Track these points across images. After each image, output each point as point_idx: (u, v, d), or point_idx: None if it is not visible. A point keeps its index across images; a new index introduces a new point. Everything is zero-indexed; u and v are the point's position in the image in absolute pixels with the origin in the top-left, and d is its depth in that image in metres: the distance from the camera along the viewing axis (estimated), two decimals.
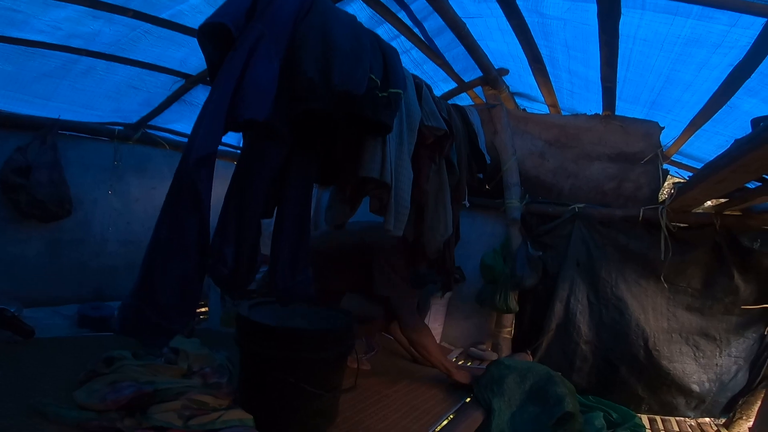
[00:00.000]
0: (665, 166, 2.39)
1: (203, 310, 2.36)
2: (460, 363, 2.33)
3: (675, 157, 2.71)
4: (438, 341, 2.60)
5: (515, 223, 2.39)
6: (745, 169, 1.47)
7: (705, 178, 1.66)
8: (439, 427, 1.54)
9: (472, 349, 2.51)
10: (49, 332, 1.95)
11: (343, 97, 1.06)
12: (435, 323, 2.56)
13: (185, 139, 1.91)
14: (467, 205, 1.98)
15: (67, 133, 2.46)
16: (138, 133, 2.71)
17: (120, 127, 2.68)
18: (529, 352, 2.34)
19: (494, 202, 2.53)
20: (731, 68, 1.64)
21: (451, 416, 1.66)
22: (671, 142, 2.43)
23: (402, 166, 1.33)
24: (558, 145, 2.52)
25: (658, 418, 2.24)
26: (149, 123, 2.75)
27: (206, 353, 1.55)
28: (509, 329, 2.45)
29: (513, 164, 2.41)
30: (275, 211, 1.30)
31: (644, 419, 2.07)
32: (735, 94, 1.76)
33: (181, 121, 2.81)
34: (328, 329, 1.44)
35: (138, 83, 2.35)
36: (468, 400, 1.81)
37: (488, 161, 1.99)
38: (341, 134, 1.26)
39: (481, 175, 2.02)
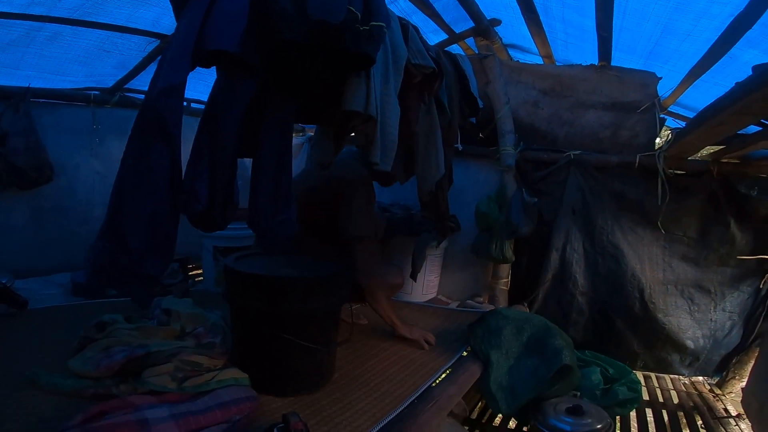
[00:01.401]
0: (662, 116, 2.33)
1: (198, 272, 2.32)
2: None
3: (672, 108, 2.65)
4: (435, 294, 2.61)
5: (510, 169, 2.35)
6: (746, 111, 1.42)
7: (705, 120, 1.60)
8: (437, 380, 1.53)
9: (469, 302, 2.51)
10: (43, 302, 1.93)
11: (319, 28, 0.99)
12: (431, 275, 2.53)
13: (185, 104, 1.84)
14: (460, 148, 1.92)
15: (41, 100, 2.39)
16: (115, 97, 2.64)
17: (96, 92, 2.59)
18: (525, 305, 2.33)
19: (488, 150, 2.47)
20: (732, 18, 1.55)
21: (449, 370, 1.65)
22: (668, 93, 2.36)
23: (388, 102, 1.27)
24: (552, 94, 2.47)
25: (653, 375, 2.26)
26: (127, 86, 2.65)
27: (199, 313, 1.52)
28: (506, 280, 2.43)
29: (506, 112, 2.36)
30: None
31: (639, 376, 2.07)
32: (735, 45, 1.68)
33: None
34: (318, 277, 1.34)
35: (110, 46, 2.23)
36: (465, 353, 1.80)
37: (481, 105, 1.92)
38: (324, 71, 1.17)
39: (473, 120, 1.95)
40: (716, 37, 1.69)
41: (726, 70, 1.87)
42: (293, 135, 1.49)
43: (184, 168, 1.04)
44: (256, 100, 1.09)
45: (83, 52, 2.22)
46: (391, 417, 1.24)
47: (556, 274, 2.32)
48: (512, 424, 1.81)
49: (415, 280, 2.27)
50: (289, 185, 1.22)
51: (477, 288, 2.62)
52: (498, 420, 1.84)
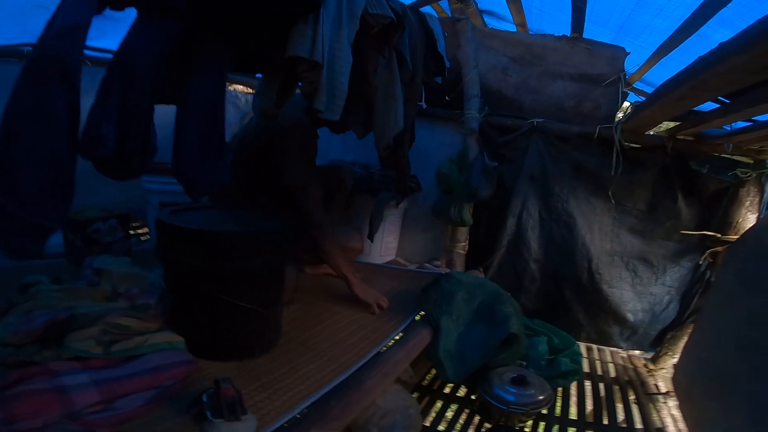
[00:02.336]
0: (626, 91, 2.33)
1: (143, 231, 2.16)
2: None
3: (637, 84, 2.67)
4: (393, 256, 2.58)
5: (473, 133, 2.32)
6: (706, 87, 1.40)
7: (665, 93, 1.58)
8: (386, 346, 1.50)
9: (427, 265, 2.50)
10: None
11: None
12: (390, 236, 2.49)
13: (110, 55, 1.63)
14: (423, 106, 1.85)
15: None
16: None
17: (30, 48, 2.29)
18: (481, 270, 2.33)
19: (454, 113, 2.43)
20: None
21: (401, 334, 1.63)
22: (635, 69, 2.36)
23: (339, 50, 1.18)
24: (522, 62, 2.44)
25: (594, 346, 2.33)
26: None
27: (135, 272, 1.40)
28: (463, 244, 2.42)
29: (474, 76, 2.32)
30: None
31: (582, 347, 2.12)
32: (707, 23, 1.65)
33: (104, 37, 2.41)
34: (258, 232, 1.23)
35: (45, 1, 1.95)
36: (419, 317, 1.78)
37: (448, 65, 1.84)
38: (262, 16, 1.05)
39: (439, 80, 1.87)
40: (689, 14, 1.64)
41: (694, 48, 1.83)
42: None
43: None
44: (182, 44, 0.97)
45: (16, 9, 2.00)
46: (335, 383, 1.20)
47: (512, 240, 2.33)
48: (462, 392, 1.81)
49: (371, 240, 2.23)
50: (220, 134, 1.11)
51: (436, 251, 2.60)
52: (449, 388, 1.85)
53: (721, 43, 1.17)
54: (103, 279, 1.33)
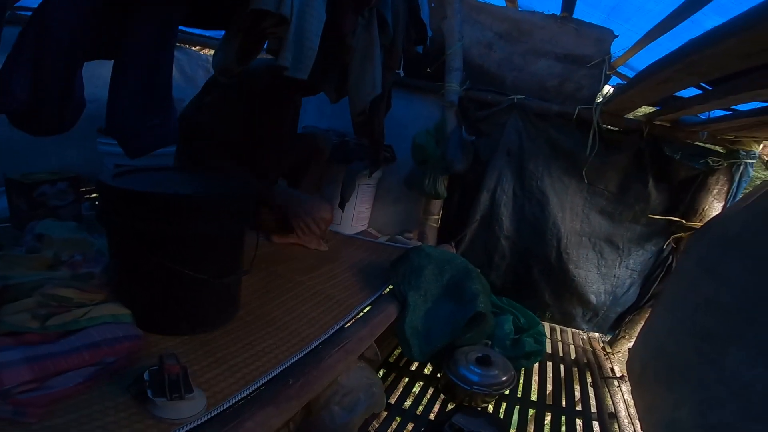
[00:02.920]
0: (609, 74, 2.27)
1: (95, 195, 1.99)
2: None
3: (621, 69, 2.61)
4: (365, 227, 2.52)
5: (452, 106, 2.24)
6: (693, 70, 1.35)
7: (650, 75, 1.53)
8: (350, 321, 1.44)
9: (399, 237, 2.45)
10: None
11: None
12: (362, 207, 2.42)
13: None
14: (401, 74, 1.75)
15: None
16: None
17: None
18: (453, 244, 2.30)
19: (434, 85, 2.34)
20: None
21: (368, 308, 1.57)
22: (621, 53, 2.30)
23: (310, 5, 1.06)
24: (508, 38, 2.35)
25: (557, 327, 2.36)
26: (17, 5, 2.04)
27: (81, 238, 1.28)
28: (436, 217, 2.38)
29: (458, 49, 2.22)
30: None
31: (546, 328, 2.13)
32: (701, 10, 1.57)
33: None
34: (214, 193, 1.12)
35: None
36: (387, 291, 1.73)
37: (430, 34, 1.73)
38: None
39: (420, 49, 1.77)
40: None
41: (684, 34, 1.76)
42: None
43: None
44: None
45: None
46: (294, 360, 1.13)
47: (484, 215, 2.30)
48: (428, 370, 1.79)
49: (342, 209, 2.16)
50: (163, 90, 0.99)
51: (408, 223, 2.55)
52: (415, 365, 1.82)
53: (716, 26, 1.12)
54: (45, 245, 1.20)
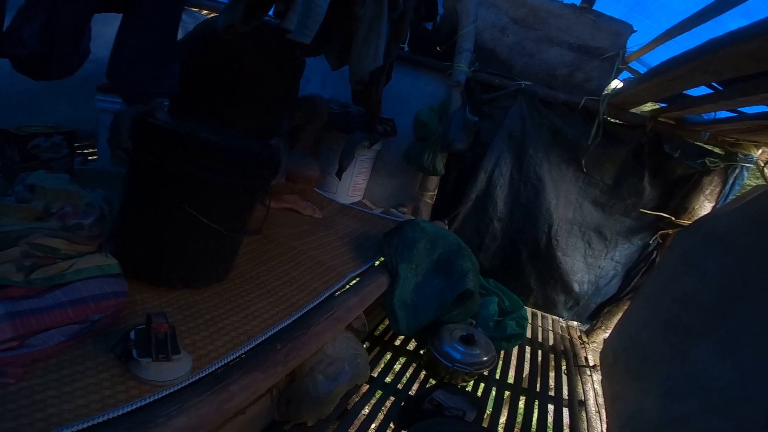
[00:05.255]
0: (621, 68, 2.16)
1: (92, 150, 1.89)
2: None
3: (633, 64, 2.49)
4: (360, 198, 2.45)
5: (459, 85, 2.15)
6: (708, 69, 1.27)
7: (662, 72, 1.45)
8: (341, 290, 1.40)
9: (393, 210, 2.39)
10: None
11: None
12: (359, 177, 2.34)
13: None
14: (405, 48, 1.66)
15: None
16: None
17: None
18: (446, 222, 2.25)
19: (442, 64, 2.23)
20: None
21: (357, 279, 1.53)
22: (636, 48, 2.19)
23: None
24: (523, 24, 2.23)
25: (539, 313, 2.33)
26: None
27: (73, 190, 1.18)
28: (432, 194, 2.32)
29: (470, 31, 2.11)
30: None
31: (528, 312, 2.10)
32: (729, 12, 1.47)
33: None
34: (251, 148, 1.09)
35: None
36: (378, 263, 1.69)
37: (440, 11, 1.62)
38: None
39: (429, 25, 1.66)
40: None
41: (704, 34, 1.65)
42: None
43: None
44: None
45: None
46: (283, 325, 1.10)
47: (480, 195, 2.24)
48: (412, 346, 1.77)
49: (339, 178, 2.08)
50: (174, 43, 0.96)
51: (403, 198, 2.48)
52: (399, 340, 1.79)
53: (740, 27, 1.04)
54: (36, 196, 1.11)
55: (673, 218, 1.99)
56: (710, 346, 1.19)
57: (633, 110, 2.04)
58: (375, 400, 1.39)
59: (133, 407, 0.73)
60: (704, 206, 1.94)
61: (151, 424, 0.71)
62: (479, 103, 2.21)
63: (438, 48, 2.27)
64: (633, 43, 2.11)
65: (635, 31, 2.06)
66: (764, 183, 1.82)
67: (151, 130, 0.99)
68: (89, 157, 1.84)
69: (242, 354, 0.96)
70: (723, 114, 1.75)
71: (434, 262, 1.64)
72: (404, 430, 1.26)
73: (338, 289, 1.38)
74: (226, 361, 0.91)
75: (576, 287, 2.19)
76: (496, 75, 2.19)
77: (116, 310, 0.92)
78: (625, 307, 2.08)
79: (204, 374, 0.86)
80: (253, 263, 1.36)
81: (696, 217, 1.93)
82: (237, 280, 1.23)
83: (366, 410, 1.33)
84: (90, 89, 1.63)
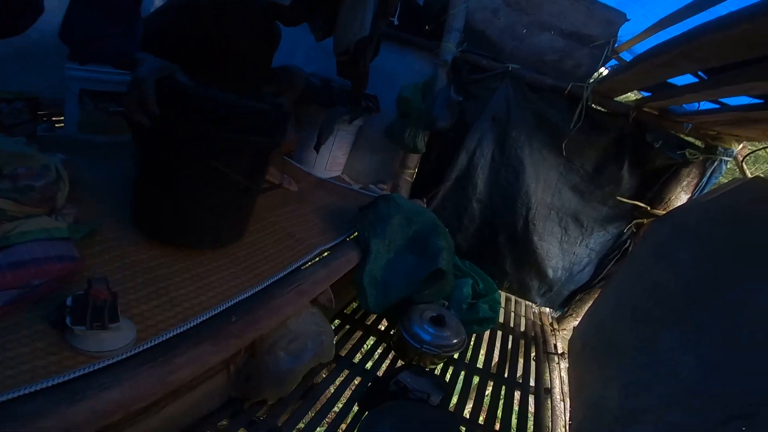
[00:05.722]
0: (611, 57, 2.12)
1: (59, 118, 1.79)
2: None
3: (623, 54, 2.42)
4: (339, 173, 2.39)
5: (445, 65, 2.09)
6: (693, 56, 1.24)
7: (649, 57, 1.40)
8: (309, 263, 1.34)
9: (372, 186, 2.34)
10: None
11: None
12: (339, 152, 2.27)
13: None
14: (396, 22, 1.58)
15: None
16: None
17: None
18: (424, 201, 2.21)
19: (430, 43, 2.16)
20: None
21: (328, 252, 1.46)
22: (628, 38, 2.12)
23: None
24: (516, 8, 2.17)
25: (513, 298, 2.32)
26: None
27: (28, 153, 1.10)
28: (412, 171, 2.27)
29: (462, 10, 2.03)
30: None
31: (502, 297, 2.08)
32: (724, 2, 1.41)
33: None
34: (268, 108, 1.08)
35: None
36: (351, 238, 1.63)
37: None
38: None
39: (420, 0, 1.57)
40: None
41: (696, 23, 1.62)
42: None
43: None
44: None
45: None
46: (242, 297, 1.04)
47: (460, 176, 2.21)
48: (383, 326, 1.72)
49: (317, 151, 2.01)
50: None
51: (383, 175, 2.43)
52: (370, 319, 1.75)
53: (731, 11, 0.99)
54: None
55: (648, 208, 1.98)
56: (676, 337, 1.17)
57: (618, 99, 2.00)
58: (342, 379, 1.36)
59: (64, 379, 0.68)
60: (680, 197, 1.93)
61: (80, 395, 0.66)
62: (465, 84, 2.15)
63: (427, 27, 2.19)
64: (626, 33, 2.05)
65: (628, 20, 2.00)
66: (740, 177, 1.81)
67: (178, 93, 0.96)
68: (56, 125, 1.75)
69: (193, 325, 0.90)
70: (706, 106, 1.72)
71: (408, 239, 1.58)
72: (367, 411, 1.23)
73: (307, 262, 1.33)
74: (174, 333, 0.86)
75: (550, 273, 2.18)
76: (485, 56, 2.12)
77: (60, 275, 0.86)
78: (596, 296, 2.08)
79: (148, 346, 0.81)
80: None
81: (671, 208, 1.92)
82: (210, 254, 1.17)
83: (332, 390, 1.30)
84: (57, 57, 1.55)
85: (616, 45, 2.07)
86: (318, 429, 1.16)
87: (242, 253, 1.23)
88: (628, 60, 2.45)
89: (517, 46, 2.17)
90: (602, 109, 2.00)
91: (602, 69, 2.27)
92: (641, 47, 2.18)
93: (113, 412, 0.70)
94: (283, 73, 1.76)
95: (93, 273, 0.94)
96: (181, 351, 0.82)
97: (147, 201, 1.11)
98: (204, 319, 0.93)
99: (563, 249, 2.16)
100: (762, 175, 1.72)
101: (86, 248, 1.00)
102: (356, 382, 1.37)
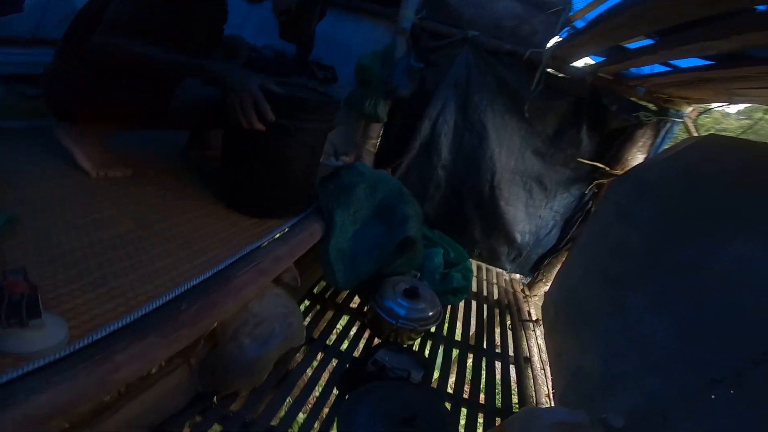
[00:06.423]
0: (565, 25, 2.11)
1: None
2: None
3: (577, 23, 2.44)
4: None
5: (404, 32, 2.02)
6: (647, 15, 1.22)
7: (604, 20, 1.38)
8: (267, 242, 1.21)
9: (333, 158, 2.24)
10: None
11: None
12: None
13: None
14: None
15: None
16: None
17: None
18: (389, 170, 2.16)
19: (387, 10, 2.08)
20: None
21: (287, 229, 1.33)
22: (582, 5, 2.11)
23: None
24: None
25: (484, 266, 2.31)
26: None
27: None
28: (374, 141, 2.21)
29: None
30: None
31: (473, 266, 2.05)
32: None
33: None
34: (326, 99, 1.28)
35: None
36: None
37: None
38: None
39: None
40: None
41: None
42: None
43: None
44: None
45: None
46: (194, 283, 0.92)
47: (423, 143, 2.17)
48: (355, 303, 1.64)
49: None
50: None
51: (345, 146, 2.33)
52: (341, 298, 1.66)
53: None
54: None
55: (607, 168, 2.02)
56: (643, 299, 1.16)
57: (575, 65, 2.02)
58: (317, 363, 1.28)
59: None
60: (637, 157, 1.99)
61: (8, 401, 0.55)
62: (425, 51, 2.08)
63: None
64: (579, 1, 2.04)
65: None
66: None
67: (274, 98, 1.14)
68: None
69: (136, 318, 0.79)
70: (659, 70, 1.76)
71: (374, 208, 1.48)
72: (347, 394, 1.16)
73: (265, 242, 1.21)
74: (114, 328, 0.74)
75: (518, 238, 2.20)
76: (444, 24, 2.06)
77: None
78: (564, 259, 2.12)
79: (84, 344, 0.69)
80: (164, 213, 1.15)
81: (628, 167, 1.97)
82: (139, 233, 1.04)
83: (309, 374, 1.21)
84: None
85: (570, 13, 2.07)
86: (300, 415, 1.08)
87: (191, 237, 1.09)
88: (580, 27, 2.48)
89: (476, 12, 2.14)
90: (560, 75, 2.01)
91: (557, 37, 2.29)
92: (594, 15, 2.21)
93: (49, 418, 0.59)
94: (228, 42, 1.61)
95: (16, 265, 0.79)
96: (121, 347, 0.70)
97: (229, 180, 1.30)
98: (149, 310, 0.81)
99: (529, 213, 2.18)
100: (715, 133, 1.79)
101: (6, 240, 0.85)
102: (333, 365, 1.30)
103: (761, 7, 0.90)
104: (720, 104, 2.01)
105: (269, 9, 1.43)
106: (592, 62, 2.05)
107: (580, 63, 2.07)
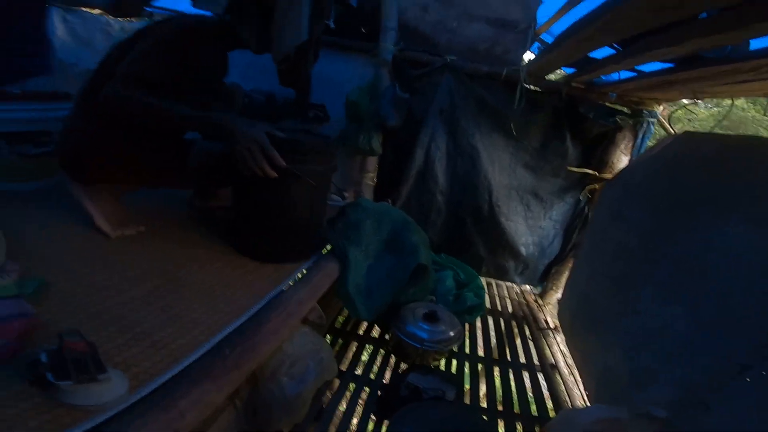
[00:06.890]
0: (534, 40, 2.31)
1: None
2: None
3: (544, 36, 2.65)
4: None
5: (386, 64, 2.15)
6: (609, 27, 1.34)
7: (570, 35, 1.52)
8: (289, 285, 1.29)
9: (334, 196, 2.32)
10: None
11: None
12: None
13: None
14: (332, 25, 1.61)
15: None
16: None
17: None
18: (389, 201, 2.24)
19: (368, 45, 2.22)
20: None
21: (304, 272, 1.42)
22: (545, 20, 2.32)
23: None
24: (443, 2, 2.31)
25: (493, 281, 2.39)
26: None
27: None
28: (372, 175, 2.30)
29: (393, 10, 2.11)
30: None
31: (483, 282, 2.11)
32: None
33: None
34: (326, 143, 1.39)
35: None
36: (325, 251, 1.59)
37: None
38: None
39: (354, 2, 1.61)
40: None
41: None
42: None
43: None
44: None
45: None
46: (229, 330, 0.98)
47: (419, 171, 2.27)
48: (376, 333, 1.70)
49: None
50: None
51: (344, 183, 2.42)
52: (362, 329, 1.72)
53: None
54: None
55: (596, 173, 2.15)
56: (651, 293, 1.22)
57: (549, 78, 2.16)
58: (349, 394, 1.32)
59: None
60: (622, 159, 2.12)
61: None
62: (409, 80, 2.21)
63: (362, 29, 2.25)
64: (542, 15, 2.24)
65: (542, 2, 2.19)
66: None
67: (283, 143, 1.21)
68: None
69: (186, 366, 0.83)
70: (626, 75, 1.93)
71: (383, 242, 1.58)
72: (386, 420, 1.20)
73: (285, 285, 1.27)
74: (169, 376, 0.79)
75: (523, 251, 2.28)
76: (422, 52, 2.21)
77: (20, 333, 0.76)
78: (570, 265, 2.20)
79: (147, 392, 0.73)
80: (187, 266, 1.21)
81: (616, 170, 2.11)
82: (167, 287, 1.09)
83: (343, 406, 1.26)
84: None
85: (536, 27, 2.26)
86: None
87: (215, 287, 1.15)
88: (548, 41, 2.69)
89: (451, 38, 2.31)
90: (537, 89, 2.15)
91: (528, 54, 2.47)
92: (558, 27, 2.40)
93: None
94: (225, 91, 1.71)
95: (58, 327, 0.84)
96: (181, 394, 0.75)
97: (243, 229, 1.38)
98: (197, 357, 0.86)
99: (529, 225, 2.28)
100: (689, 130, 1.94)
101: (41, 302, 0.90)
102: (365, 394, 1.34)
103: (703, 15, 1.05)
104: (687, 101, 2.19)
105: (251, 53, 1.50)
106: (566, 74, 2.22)
107: (553, 76, 2.25)
